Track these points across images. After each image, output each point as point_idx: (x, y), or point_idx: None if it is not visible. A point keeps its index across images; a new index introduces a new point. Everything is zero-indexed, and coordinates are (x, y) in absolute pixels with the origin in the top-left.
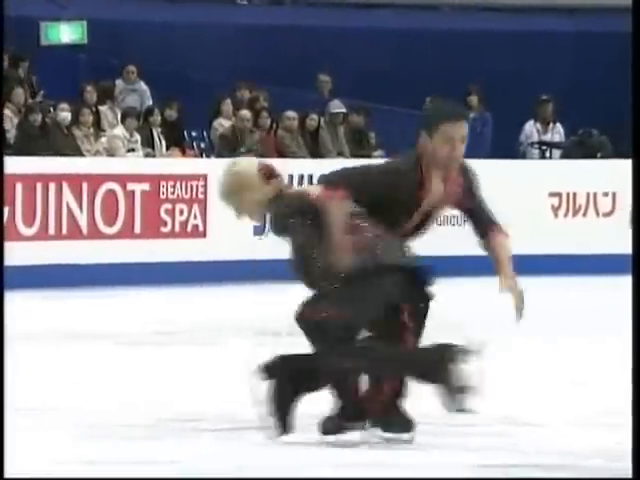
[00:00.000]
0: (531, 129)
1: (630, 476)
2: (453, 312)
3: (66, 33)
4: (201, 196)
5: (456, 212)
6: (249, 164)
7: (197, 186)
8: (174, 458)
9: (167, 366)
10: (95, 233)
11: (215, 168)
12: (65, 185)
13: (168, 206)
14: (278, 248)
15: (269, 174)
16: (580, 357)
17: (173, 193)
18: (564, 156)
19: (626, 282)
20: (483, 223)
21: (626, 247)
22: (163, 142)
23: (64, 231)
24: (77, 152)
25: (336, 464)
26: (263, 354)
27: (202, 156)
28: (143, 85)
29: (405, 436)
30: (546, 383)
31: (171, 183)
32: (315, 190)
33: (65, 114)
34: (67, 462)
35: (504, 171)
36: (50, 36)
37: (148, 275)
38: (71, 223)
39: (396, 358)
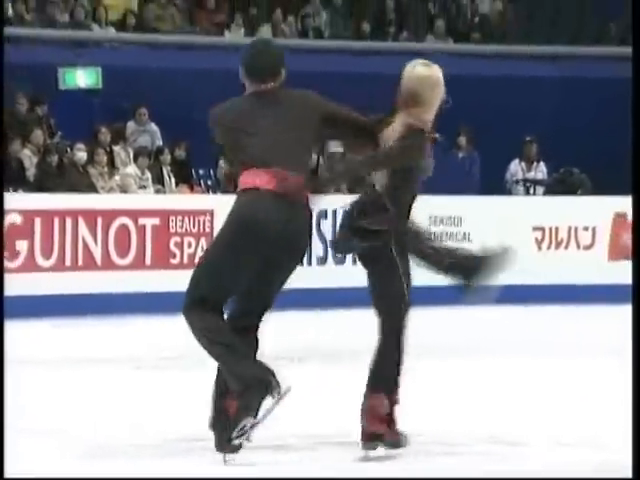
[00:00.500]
0: (516, 167)
1: (630, 476)
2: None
3: (82, 78)
4: (208, 230)
5: None
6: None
7: (204, 220)
8: (179, 475)
9: (174, 389)
10: (109, 264)
11: (221, 204)
12: (81, 220)
13: (177, 239)
14: None
15: None
16: (561, 379)
17: (182, 227)
18: (547, 193)
19: (604, 310)
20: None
21: (604, 278)
22: (172, 179)
23: (80, 262)
24: (92, 189)
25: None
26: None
27: (209, 192)
28: (154, 126)
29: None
30: (529, 403)
31: (180, 218)
32: None
33: (81, 154)
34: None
35: (491, 206)
36: (67, 81)
37: (158, 303)
38: (86, 255)
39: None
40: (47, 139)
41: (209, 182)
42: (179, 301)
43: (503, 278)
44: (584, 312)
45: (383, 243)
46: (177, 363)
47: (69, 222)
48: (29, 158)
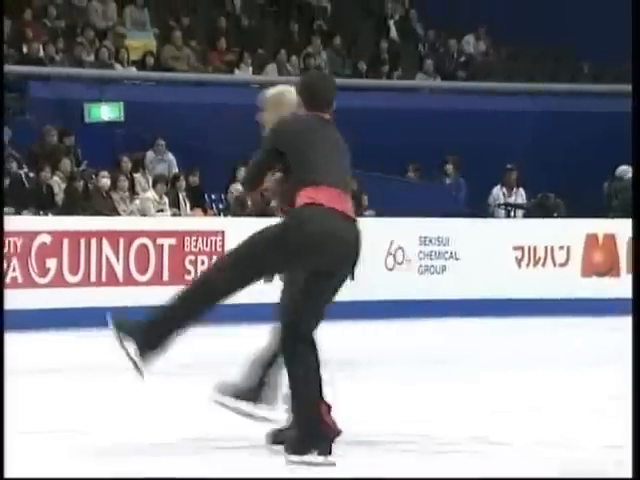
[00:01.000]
0: (498, 193)
1: (630, 476)
2: (437, 349)
3: (106, 112)
4: (219, 249)
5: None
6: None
7: (216, 240)
8: (194, 473)
9: (191, 393)
10: (130, 280)
11: (231, 225)
12: (104, 240)
13: (191, 257)
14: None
15: None
16: (539, 385)
17: (195, 246)
18: (526, 216)
19: (578, 322)
20: None
21: (579, 292)
22: (187, 204)
23: (104, 279)
24: (115, 212)
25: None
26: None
27: (220, 215)
28: (171, 156)
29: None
30: (511, 408)
31: (194, 238)
32: None
33: (105, 180)
34: (104, 475)
35: (476, 228)
36: (92, 115)
37: None
38: (109, 272)
39: None
40: (74, 167)
41: (220, 206)
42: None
43: (486, 293)
44: (561, 323)
45: None
46: (193, 370)
47: (94, 242)
48: (58, 184)
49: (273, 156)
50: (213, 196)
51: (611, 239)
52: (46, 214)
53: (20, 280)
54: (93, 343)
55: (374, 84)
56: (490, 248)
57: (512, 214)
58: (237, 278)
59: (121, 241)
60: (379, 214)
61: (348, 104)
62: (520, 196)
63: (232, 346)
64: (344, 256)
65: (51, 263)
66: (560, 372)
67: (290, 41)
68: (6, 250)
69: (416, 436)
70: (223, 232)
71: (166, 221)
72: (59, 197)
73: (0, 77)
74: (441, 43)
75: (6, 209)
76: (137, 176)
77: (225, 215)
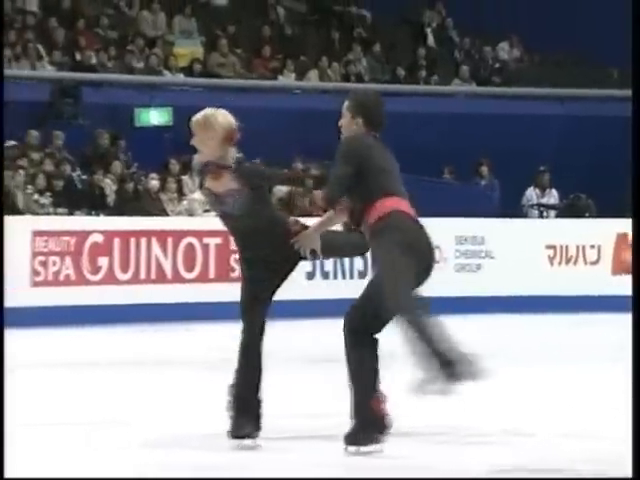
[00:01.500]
0: (531, 194)
1: (630, 476)
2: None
3: (155, 117)
4: None
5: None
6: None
7: None
8: (230, 464)
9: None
10: (178, 278)
11: None
12: (153, 239)
13: (236, 256)
14: (322, 291)
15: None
16: (570, 380)
17: None
18: (558, 216)
19: (610, 318)
20: None
21: (609, 290)
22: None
23: (153, 276)
24: (163, 213)
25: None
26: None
27: None
28: None
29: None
30: (541, 401)
31: None
32: None
33: (154, 182)
34: (141, 465)
35: (510, 228)
36: (142, 119)
37: (220, 311)
38: (158, 270)
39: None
40: (125, 170)
41: None
42: (238, 310)
43: (520, 290)
44: (591, 320)
45: None
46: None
47: (143, 241)
48: (109, 186)
49: (355, 170)
50: None
51: None
52: (98, 215)
53: (73, 278)
54: (145, 338)
55: (412, 89)
56: (523, 247)
57: (545, 214)
58: (409, 295)
59: (169, 240)
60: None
61: (387, 109)
62: (553, 197)
63: (271, 341)
64: (432, 257)
65: (103, 261)
66: (590, 367)
67: (331, 48)
68: (60, 249)
69: (447, 427)
70: None
71: (212, 221)
72: (110, 198)
73: (0, 78)
74: (476, 50)
75: (60, 210)
76: (185, 178)
77: None
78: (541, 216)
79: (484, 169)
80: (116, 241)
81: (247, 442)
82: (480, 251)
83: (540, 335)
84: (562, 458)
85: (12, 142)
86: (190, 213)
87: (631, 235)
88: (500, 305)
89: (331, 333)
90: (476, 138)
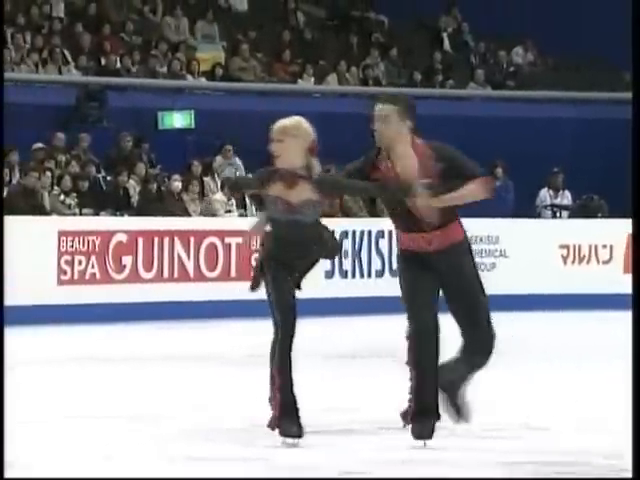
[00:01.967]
0: (545, 194)
1: (630, 476)
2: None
3: (178, 120)
4: None
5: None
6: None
7: None
8: (263, 457)
9: (259, 382)
10: (200, 277)
11: None
12: (176, 239)
13: (257, 255)
14: (339, 290)
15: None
16: (581, 376)
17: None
18: (571, 216)
19: (622, 316)
20: (462, 176)
21: (621, 288)
22: (253, 205)
23: (175, 275)
24: (186, 213)
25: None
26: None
27: None
28: (238, 160)
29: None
30: (554, 396)
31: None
32: None
33: (177, 183)
34: (175, 458)
35: (524, 228)
36: (165, 122)
37: (242, 309)
38: (181, 269)
39: None
40: (148, 171)
41: None
42: (259, 308)
43: (534, 288)
44: (603, 317)
45: None
46: (260, 360)
47: (166, 241)
48: (133, 187)
49: None
50: None
51: None
52: (122, 215)
53: (98, 276)
54: (166, 335)
55: (428, 93)
56: (537, 246)
57: (558, 215)
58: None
59: (192, 240)
60: None
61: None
62: (566, 198)
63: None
64: None
65: (127, 260)
66: (602, 364)
67: (349, 53)
68: (85, 248)
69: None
70: None
71: (234, 221)
72: (134, 199)
73: (1, 80)
74: (491, 54)
75: (85, 210)
76: (207, 179)
77: None
78: (554, 216)
79: (499, 170)
80: (140, 241)
81: (292, 440)
82: (495, 250)
83: (554, 332)
84: (576, 451)
85: (39, 144)
86: (212, 213)
87: (631, 235)
88: (514, 303)
89: (347, 331)
90: (491, 140)
